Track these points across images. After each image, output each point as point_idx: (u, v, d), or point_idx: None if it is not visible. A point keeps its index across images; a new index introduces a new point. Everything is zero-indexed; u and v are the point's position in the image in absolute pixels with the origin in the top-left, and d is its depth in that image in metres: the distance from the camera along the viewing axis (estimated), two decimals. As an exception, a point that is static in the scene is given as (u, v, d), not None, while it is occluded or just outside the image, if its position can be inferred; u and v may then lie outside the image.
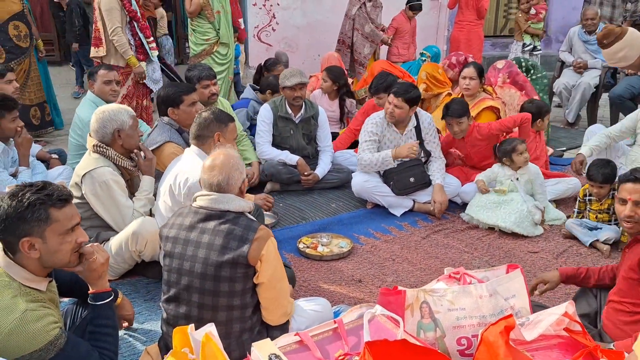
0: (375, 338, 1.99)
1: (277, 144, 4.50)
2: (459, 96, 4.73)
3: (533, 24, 7.35)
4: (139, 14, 4.93)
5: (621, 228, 3.55)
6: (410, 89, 3.96)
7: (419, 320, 2.18)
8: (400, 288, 2.27)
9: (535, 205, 3.84)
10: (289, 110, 4.46)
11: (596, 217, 3.68)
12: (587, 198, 3.72)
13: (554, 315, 2.02)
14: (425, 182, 4.03)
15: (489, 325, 1.97)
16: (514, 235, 3.73)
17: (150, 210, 3.09)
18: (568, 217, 3.90)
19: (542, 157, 4.48)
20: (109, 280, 2.99)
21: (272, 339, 2.30)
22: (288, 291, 2.38)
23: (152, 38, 5.13)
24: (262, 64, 5.82)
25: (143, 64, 5.02)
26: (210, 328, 1.96)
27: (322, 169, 4.48)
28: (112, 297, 2.06)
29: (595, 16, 6.31)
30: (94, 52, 4.91)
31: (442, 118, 4.26)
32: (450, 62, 5.53)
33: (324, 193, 4.45)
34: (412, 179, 4.02)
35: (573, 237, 3.70)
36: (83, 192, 2.92)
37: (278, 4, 7.90)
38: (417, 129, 4.14)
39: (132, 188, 3.11)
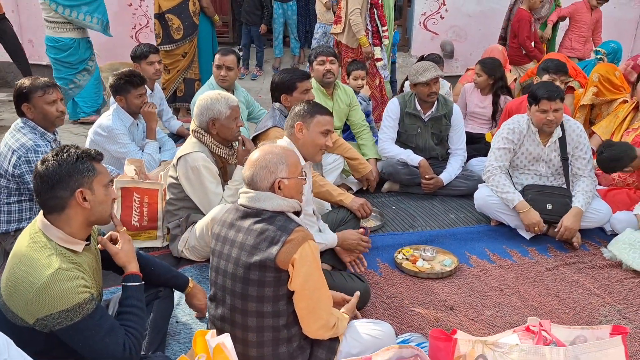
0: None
1: (401, 141, 4.17)
2: (627, 111, 3.94)
3: None
4: (380, 2, 5.23)
5: None
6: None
7: (470, 377, 1.80)
8: (460, 333, 1.90)
9: None
10: (418, 107, 4.10)
11: None
12: None
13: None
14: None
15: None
16: (669, 284, 2.97)
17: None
18: None
19: None
20: (195, 262, 3.10)
21: (316, 357, 2.12)
22: (329, 302, 2.12)
23: (386, 27, 5.37)
24: (424, 57, 5.46)
25: (377, 49, 5.29)
26: (225, 339, 1.84)
27: (449, 173, 4.06)
28: (142, 282, 2.06)
29: None
30: (332, 28, 5.38)
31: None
32: (635, 63, 4.64)
33: (446, 200, 4.03)
34: (549, 206, 3.42)
35: None
36: (177, 174, 2.99)
37: (450, -10, 7.41)
38: (562, 140, 3.51)
39: (226, 176, 3.11)
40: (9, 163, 2.87)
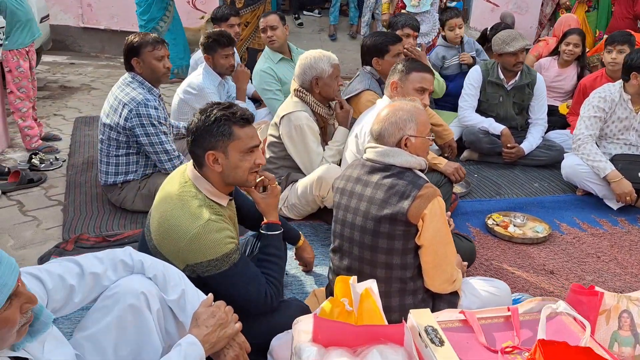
0: (553, 338, 1.71)
1: (482, 110, 4.16)
2: None
3: None
4: None
5: None
6: None
7: (614, 331, 1.83)
8: (597, 289, 1.92)
9: None
10: (501, 76, 4.07)
11: None
12: None
13: None
14: None
15: None
16: None
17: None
18: None
19: None
20: (292, 220, 3.15)
21: (437, 310, 2.17)
22: (454, 258, 2.15)
23: None
24: (489, 29, 5.37)
25: None
26: (372, 284, 1.88)
27: (530, 143, 4.04)
28: (281, 230, 2.12)
29: None
30: None
31: None
32: None
33: (528, 170, 4.02)
34: (642, 174, 3.40)
35: None
36: (280, 132, 3.03)
37: (513, -42, 7.26)
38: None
39: (325, 136, 3.15)
40: (120, 116, 2.95)
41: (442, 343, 1.57)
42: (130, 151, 3.05)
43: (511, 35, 3.93)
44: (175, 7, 5.99)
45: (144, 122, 2.92)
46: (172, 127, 3.40)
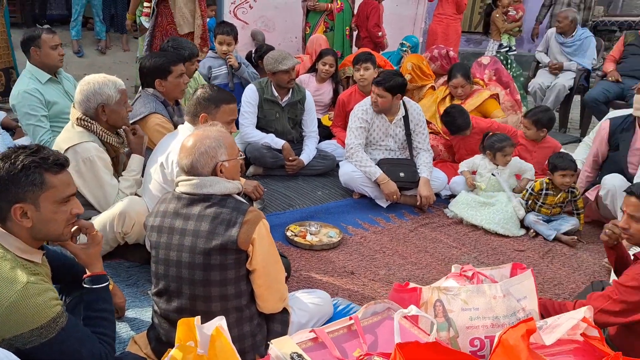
0: (390, 336, 1.91)
1: (261, 127, 4.34)
2: (444, 92, 4.73)
3: (510, 24, 7.40)
4: None
5: (578, 218, 3.74)
6: (391, 78, 3.90)
7: (433, 320, 2.11)
8: (412, 284, 2.20)
9: (519, 202, 3.85)
10: (276, 93, 4.30)
11: (550, 212, 3.73)
12: (544, 192, 3.73)
13: (573, 320, 1.99)
14: (414, 182, 3.96)
15: (508, 328, 1.92)
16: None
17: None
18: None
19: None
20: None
21: (272, 332, 2.21)
22: (283, 276, 2.24)
23: None
24: (254, 51, 5.57)
25: None
26: (221, 322, 1.83)
27: (308, 155, 4.36)
28: (109, 281, 1.93)
29: (563, 19, 6.35)
30: None
31: (452, 134, 4.40)
32: (432, 55, 5.50)
33: (309, 180, 4.34)
34: (402, 174, 3.96)
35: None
36: (64, 167, 2.70)
37: (256, -19, 7.65)
38: (406, 118, 4.08)
39: (117, 166, 2.91)
40: None
41: (310, 366, 1.62)
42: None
43: (282, 54, 4.18)
44: None
45: None
46: None
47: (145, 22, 5.01)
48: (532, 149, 4.28)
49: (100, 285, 1.88)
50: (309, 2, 6.53)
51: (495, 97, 4.68)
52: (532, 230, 3.76)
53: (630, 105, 5.09)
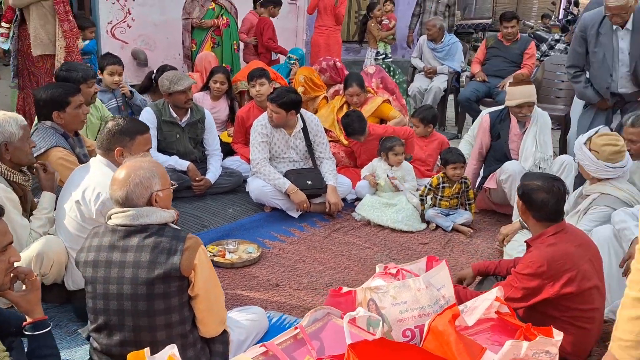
0: (334, 339, 2.05)
1: (161, 149, 4.29)
2: (341, 101, 4.99)
3: (385, 33, 7.89)
4: None
5: (470, 207, 4.16)
6: (285, 95, 4.07)
7: (367, 317, 2.29)
8: (345, 288, 2.37)
9: (416, 197, 4.19)
10: (174, 114, 4.28)
11: (448, 204, 4.13)
12: (442, 185, 4.11)
13: (487, 301, 2.26)
14: (322, 187, 4.15)
15: (435, 316, 2.16)
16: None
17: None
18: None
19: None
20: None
21: (215, 353, 2.27)
22: (223, 299, 2.31)
23: None
24: (155, 72, 5.44)
25: None
26: (172, 350, 1.86)
27: (214, 173, 4.38)
28: (50, 326, 1.88)
29: (432, 27, 6.95)
30: None
31: (348, 136, 4.62)
32: (321, 67, 5.73)
33: (218, 198, 4.36)
34: (309, 182, 4.13)
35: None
36: (-32, 212, 2.52)
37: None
38: (305, 130, 4.26)
39: (25, 205, 2.77)
40: None
41: (270, 380, 1.71)
42: None
43: (177, 75, 4.18)
44: None
45: None
46: None
47: (3, 45, 4.76)
48: (423, 144, 4.72)
49: (43, 331, 1.83)
50: (194, 19, 6.51)
51: (387, 102, 5.02)
52: (432, 224, 4.10)
53: (498, 102, 5.73)
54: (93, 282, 2.07)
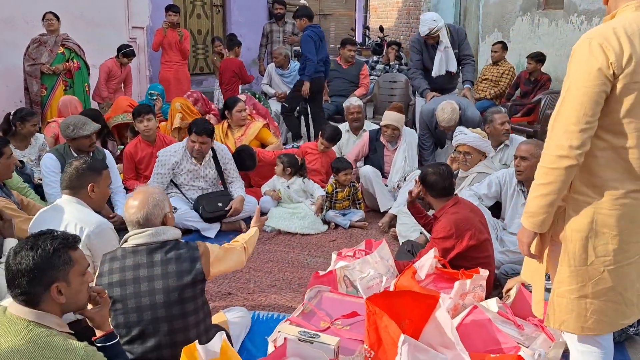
0: (332, 307, 2.58)
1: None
2: (224, 126, 5.44)
3: None
4: None
5: (359, 205, 4.93)
6: (208, 125, 4.52)
7: (346, 290, 2.85)
8: (322, 272, 2.90)
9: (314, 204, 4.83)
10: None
11: (342, 206, 4.86)
12: (335, 190, 4.84)
13: (429, 259, 2.97)
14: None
15: (399, 276, 2.80)
16: (312, 232, 4.65)
17: None
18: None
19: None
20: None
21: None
22: (230, 253, 2.67)
23: None
24: (14, 113, 5.21)
25: None
26: (221, 336, 2.20)
27: (122, 208, 4.48)
28: (118, 337, 2.09)
29: (279, 55, 7.71)
30: None
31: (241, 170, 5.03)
32: (194, 98, 6.11)
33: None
34: (220, 204, 4.51)
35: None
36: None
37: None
38: (215, 158, 4.65)
39: (-10, 255, 2.77)
40: None
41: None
42: None
43: (81, 120, 4.25)
44: None
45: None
46: None
47: None
48: (322, 159, 5.36)
49: (114, 342, 2.04)
50: (44, 65, 6.39)
51: (267, 126, 5.58)
52: (332, 224, 4.77)
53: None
54: (123, 300, 2.30)
